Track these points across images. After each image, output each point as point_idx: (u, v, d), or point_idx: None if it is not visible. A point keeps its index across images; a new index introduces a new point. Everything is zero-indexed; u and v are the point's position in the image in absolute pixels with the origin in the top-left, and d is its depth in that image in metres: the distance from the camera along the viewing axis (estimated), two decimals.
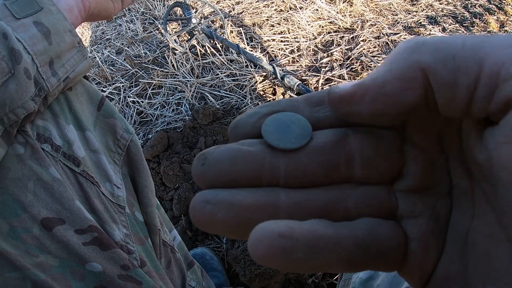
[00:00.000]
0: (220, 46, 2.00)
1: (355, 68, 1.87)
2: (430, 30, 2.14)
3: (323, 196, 0.21)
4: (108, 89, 1.88)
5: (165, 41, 2.17)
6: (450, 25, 2.20)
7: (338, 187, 0.22)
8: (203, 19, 2.15)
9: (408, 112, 0.20)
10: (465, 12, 2.33)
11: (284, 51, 2.01)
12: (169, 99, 1.78)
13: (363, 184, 0.22)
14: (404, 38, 2.07)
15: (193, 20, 1.98)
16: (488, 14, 2.31)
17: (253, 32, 2.17)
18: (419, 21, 2.24)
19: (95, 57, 2.13)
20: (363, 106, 0.20)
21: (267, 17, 2.30)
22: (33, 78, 0.50)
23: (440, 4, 2.41)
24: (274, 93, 1.75)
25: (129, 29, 2.39)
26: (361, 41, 2.05)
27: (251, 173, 0.21)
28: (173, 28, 2.35)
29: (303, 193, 0.21)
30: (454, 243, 0.21)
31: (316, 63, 1.92)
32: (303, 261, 0.18)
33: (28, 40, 0.50)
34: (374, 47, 2.01)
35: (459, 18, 2.28)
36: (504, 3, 2.43)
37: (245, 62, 1.88)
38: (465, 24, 2.21)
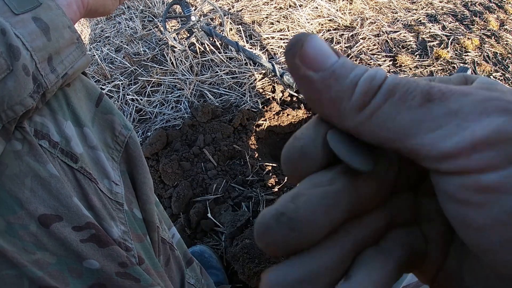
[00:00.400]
0: (220, 43, 2.00)
1: None
2: (430, 28, 2.13)
3: (376, 223, 0.21)
4: (107, 87, 1.87)
5: (164, 38, 2.17)
6: (450, 23, 2.20)
7: (381, 208, 0.22)
8: (202, 17, 2.15)
9: None
10: (465, 10, 2.33)
11: (284, 49, 2.01)
12: (168, 97, 1.77)
13: (395, 192, 0.23)
14: (404, 36, 2.07)
15: (193, 18, 1.97)
16: (488, 13, 2.31)
17: (252, 29, 2.16)
18: (419, 19, 2.23)
19: (94, 55, 2.12)
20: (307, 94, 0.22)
21: (267, 14, 2.29)
22: (31, 75, 0.49)
23: (440, 2, 2.41)
24: (274, 91, 1.75)
25: (128, 27, 2.38)
26: (360, 39, 2.04)
27: (340, 217, 0.19)
28: (172, 26, 2.35)
29: (361, 229, 0.21)
30: (457, 243, 0.22)
31: None
32: None
33: (27, 36, 0.49)
34: (374, 45, 2.00)
35: (459, 16, 2.28)
36: (504, 1, 2.43)
37: (244, 59, 1.88)
38: (465, 23, 2.21)
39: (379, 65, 1.86)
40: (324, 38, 2.08)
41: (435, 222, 0.22)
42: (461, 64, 1.90)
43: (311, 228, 0.18)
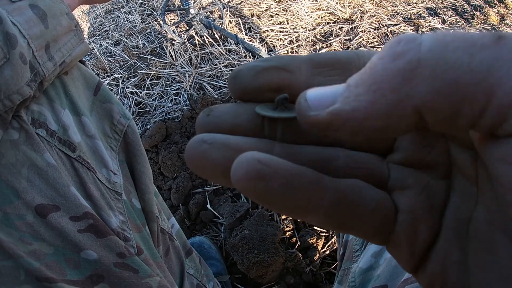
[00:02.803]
0: (219, 36, 1.99)
1: None
2: (430, 22, 2.12)
3: (315, 152, 0.21)
4: (106, 80, 1.87)
5: (163, 32, 2.16)
6: (450, 17, 2.19)
7: (330, 148, 0.22)
8: (201, 10, 2.13)
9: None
10: (465, 4, 2.32)
11: (283, 42, 2.00)
12: (167, 89, 1.77)
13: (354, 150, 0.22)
14: (403, 30, 2.06)
15: (192, 11, 1.96)
16: (488, 7, 2.30)
17: (251, 22, 2.15)
18: (419, 13, 2.22)
19: (93, 49, 2.11)
20: (342, 135, 0.18)
21: (266, 7, 2.28)
22: (28, 63, 0.49)
23: None
24: None
25: (127, 21, 2.37)
26: (360, 32, 2.03)
27: (251, 127, 0.22)
28: (172, 19, 2.34)
29: (296, 147, 0.22)
30: (454, 230, 0.19)
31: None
32: (278, 195, 0.18)
33: (23, 24, 0.49)
34: (374, 38, 1.99)
35: (459, 10, 2.27)
36: None
37: (244, 52, 1.87)
38: (465, 17, 2.20)
39: None
40: (324, 30, 2.07)
41: (410, 192, 0.20)
42: None
43: (220, 118, 0.22)
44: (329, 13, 2.20)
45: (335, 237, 1.15)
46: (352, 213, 0.19)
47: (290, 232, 1.17)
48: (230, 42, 1.95)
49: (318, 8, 2.24)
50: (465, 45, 0.14)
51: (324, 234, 1.17)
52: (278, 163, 0.18)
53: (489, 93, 0.14)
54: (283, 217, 1.19)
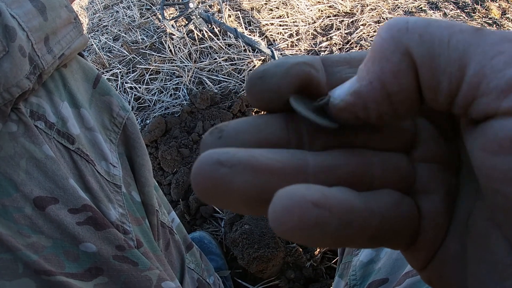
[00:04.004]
0: (218, 30, 1.98)
1: None
2: (431, 16, 2.12)
3: (350, 161, 0.19)
4: (105, 75, 1.86)
5: (162, 26, 2.15)
6: (451, 10, 2.18)
7: (360, 152, 0.20)
8: (200, 4, 2.12)
9: (415, 107, 0.18)
10: None
11: (283, 35, 1.99)
12: (166, 84, 1.76)
13: (382, 150, 0.20)
14: None
15: (191, 5, 1.96)
16: (489, 1, 2.29)
17: (251, 16, 2.14)
18: (420, 6, 2.22)
19: (92, 44, 2.11)
20: (370, 114, 0.18)
21: (266, 1, 2.27)
22: (28, 56, 0.48)
23: None
24: None
25: (126, 15, 2.37)
26: (360, 25, 2.03)
27: (275, 139, 0.19)
28: (171, 14, 2.33)
29: (329, 158, 0.19)
30: (456, 224, 0.19)
31: (315, 47, 1.90)
32: (333, 236, 0.15)
33: (23, 16, 0.48)
34: (374, 32, 1.99)
35: (460, 4, 2.26)
36: None
37: (243, 46, 1.87)
38: (466, 10, 2.20)
39: None
40: (324, 24, 2.06)
41: (434, 196, 0.20)
42: None
43: (238, 138, 0.18)
44: (329, 6, 2.19)
45: None
46: (392, 231, 0.18)
47: None
48: (229, 36, 1.94)
49: (318, 2, 2.23)
50: (446, 25, 0.16)
51: None
52: (334, 202, 0.16)
53: (462, 70, 0.15)
54: None
